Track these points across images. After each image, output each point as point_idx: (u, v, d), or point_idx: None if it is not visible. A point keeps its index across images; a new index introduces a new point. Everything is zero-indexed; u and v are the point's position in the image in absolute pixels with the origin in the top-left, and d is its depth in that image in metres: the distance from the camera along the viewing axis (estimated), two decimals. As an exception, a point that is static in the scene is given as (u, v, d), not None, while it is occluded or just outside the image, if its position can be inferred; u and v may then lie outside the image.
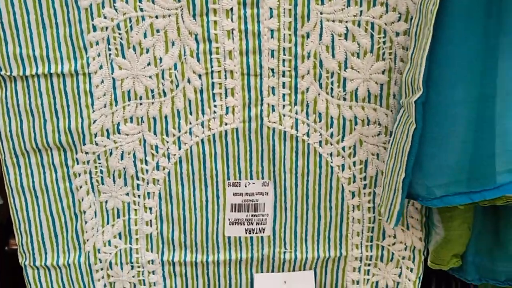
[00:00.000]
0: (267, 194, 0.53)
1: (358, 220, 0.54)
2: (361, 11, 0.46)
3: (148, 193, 0.52)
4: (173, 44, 0.47)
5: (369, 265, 0.55)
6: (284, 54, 0.48)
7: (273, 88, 0.49)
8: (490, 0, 0.41)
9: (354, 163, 0.51)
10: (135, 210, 0.53)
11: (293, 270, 0.55)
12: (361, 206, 0.53)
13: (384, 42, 0.47)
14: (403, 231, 0.54)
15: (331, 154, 0.51)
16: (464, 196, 0.44)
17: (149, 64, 0.48)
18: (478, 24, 0.41)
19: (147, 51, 0.47)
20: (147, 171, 0.51)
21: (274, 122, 0.50)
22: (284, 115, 0.50)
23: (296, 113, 0.50)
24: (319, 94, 0.49)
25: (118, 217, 0.53)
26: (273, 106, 0.49)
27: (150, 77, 0.48)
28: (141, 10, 0.46)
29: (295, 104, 0.49)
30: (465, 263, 0.53)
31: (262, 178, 0.52)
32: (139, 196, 0.52)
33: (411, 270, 0.55)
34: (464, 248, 0.53)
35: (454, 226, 0.51)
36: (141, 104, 0.49)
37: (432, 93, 0.43)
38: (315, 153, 0.51)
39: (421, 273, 0.55)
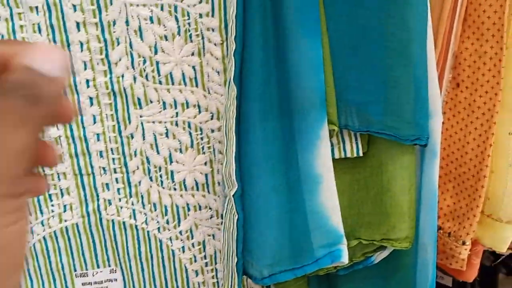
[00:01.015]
0: (116, 280, 0.56)
1: (205, 293, 0.58)
2: (177, 113, 0.51)
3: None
4: None
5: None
6: (113, 154, 0.52)
7: (107, 184, 0.53)
8: (280, 104, 0.47)
9: (193, 244, 0.56)
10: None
11: None
12: (206, 283, 0.57)
13: (202, 138, 0.52)
14: None
15: (170, 238, 0.55)
16: (289, 272, 0.49)
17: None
18: (272, 126, 0.47)
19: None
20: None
21: (113, 214, 0.54)
22: (121, 207, 0.54)
23: (133, 204, 0.54)
24: (151, 186, 0.53)
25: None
26: (109, 200, 0.53)
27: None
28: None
29: (130, 196, 0.54)
30: None
31: (109, 265, 0.56)
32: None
33: None
34: None
35: None
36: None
37: (245, 186, 0.49)
38: (156, 239, 0.55)
39: None
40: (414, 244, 0.51)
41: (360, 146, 0.49)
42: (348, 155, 0.49)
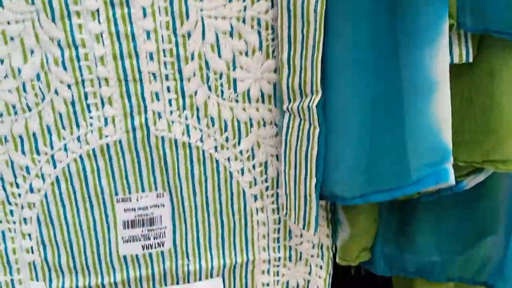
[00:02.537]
0: (163, 205, 0.49)
1: (263, 223, 0.51)
2: (245, 7, 0.41)
3: (25, 218, 0.46)
4: (32, 52, 0.40)
5: (278, 266, 0.53)
6: (165, 56, 0.42)
7: (156, 93, 0.44)
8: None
9: (253, 166, 0.48)
10: (12, 238, 0.47)
11: (200, 281, 0.52)
12: (264, 209, 0.51)
13: (273, 39, 0.43)
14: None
15: (228, 159, 0.47)
16: (384, 193, 0.43)
17: (6, 76, 0.41)
18: (370, 24, 0.38)
19: (2, 62, 0.40)
20: (19, 195, 0.45)
21: (163, 130, 0.45)
22: (173, 122, 0.45)
23: (186, 118, 0.45)
24: (209, 97, 0.45)
25: (-7, 246, 0.47)
26: (159, 112, 0.44)
27: (9, 91, 0.41)
28: (-12, 13, 0.39)
29: (184, 108, 0.45)
30: (373, 255, 0.53)
31: (156, 189, 0.48)
32: (14, 222, 0.46)
33: (321, 267, 0.54)
34: (372, 241, 0.52)
35: (360, 221, 0.50)
36: (2, 122, 0.42)
37: (330, 95, 0.41)
38: (212, 159, 0.47)
39: (331, 270, 0.54)
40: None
41: (470, 50, 0.41)
42: (456, 61, 0.41)
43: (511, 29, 0.38)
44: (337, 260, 0.53)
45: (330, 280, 0.54)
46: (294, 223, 0.47)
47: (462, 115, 0.43)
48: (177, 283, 0.52)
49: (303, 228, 0.46)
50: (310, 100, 0.41)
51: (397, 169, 0.42)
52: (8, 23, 0.39)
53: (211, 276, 0.52)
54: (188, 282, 0.52)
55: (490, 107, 0.41)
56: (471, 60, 0.41)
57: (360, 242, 0.51)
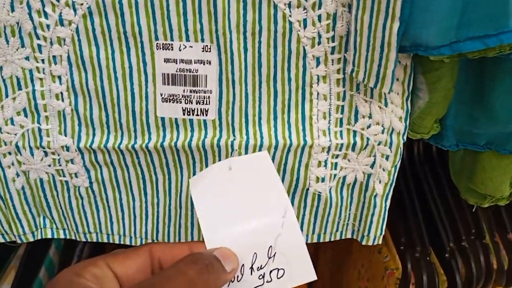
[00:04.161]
0: (209, 63, 0.42)
1: (324, 96, 0.43)
2: None
3: (54, 56, 0.41)
4: None
5: (337, 156, 0.45)
6: None
7: None
8: None
9: (319, 17, 0.40)
10: (40, 79, 0.42)
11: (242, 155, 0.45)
12: (327, 77, 0.42)
13: None
14: (380, 108, 0.43)
15: (289, 5, 0.39)
16: (477, 41, 0.34)
17: None
18: None
19: None
20: (48, 26, 0.39)
21: (213, -40, 0.38)
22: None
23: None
24: None
25: (20, 88, 0.42)
26: None
27: None
28: None
29: None
30: (443, 128, 0.46)
31: (202, 40, 0.41)
32: (42, 60, 0.41)
33: (387, 158, 0.45)
34: (445, 111, 0.43)
35: (441, 86, 0.41)
36: None
37: None
38: (269, 4, 0.39)
39: (398, 161, 0.45)
40: None
41: None
42: None
43: None
44: (409, 135, 0.44)
45: (396, 174, 0.45)
46: (363, 81, 0.38)
47: None
48: (217, 158, 0.45)
49: (375, 86, 0.37)
50: None
51: (496, 12, 0.32)
52: None
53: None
54: (231, 156, 0.45)
55: None
56: None
57: (437, 111, 0.43)
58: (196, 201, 0.40)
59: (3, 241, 0.49)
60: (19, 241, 0.48)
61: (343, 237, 0.49)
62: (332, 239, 0.49)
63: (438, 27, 0.34)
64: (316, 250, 0.92)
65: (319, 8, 0.39)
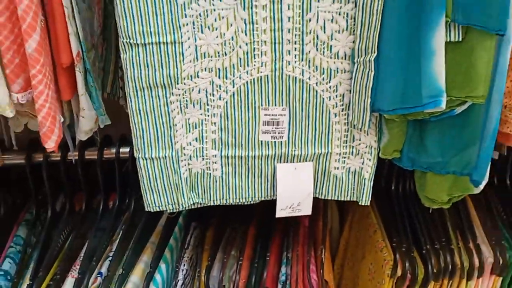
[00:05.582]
0: (284, 115, 0.88)
1: (338, 130, 0.90)
2: (340, 6, 0.80)
3: (214, 113, 0.87)
4: (231, 25, 0.81)
5: (344, 157, 0.92)
6: (296, 31, 0.81)
7: (288, 51, 0.83)
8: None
9: (336, 95, 0.87)
10: (205, 124, 0.88)
11: (299, 162, 0.92)
12: (340, 122, 0.89)
13: (354, 24, 0.81)
14: (365, 136, 0.90)
15: (323, 90, 0.86)
16: (404, 110, 0.80)
17: (217, 36, 0.81)
18: (406, 16, 0.75)
19: (216, 29, 0.81)
20: (213, 100, 0.86)
21: (290, 71, 0.84)
22: (295, 67, 0.84)
23: (303, 66, 0.84)
24: (316, 54, 0.83)
25: (195, 128, 0.88)
26: (289, 61, 0.84)
27: (217, 44, 0.82)
28: (213, 5, 0.79)
29: (302, 60, 0.84)
30: (402, 154, 0.90)
31: (282, 105, 0.87)
32: (208, 115, 0.87)
33: (370, 160, 0.91)
34: (401, 146, 0.89)
35: (395, 131, 0.87)
36: (211, 60, 0.83)
37: (379, 53, 0.78)
38: (313, 90, 0.86)
39: (375, 162, 0.91)
40: (486, 103, 0.79)
41: (460, 34, 0.76)
42: (452, 39, 0.76)
43: (484, 23, 0.73)
44: (380, 155, 0.90)
45: (375, 168, 0.92)
46: (355, 124, 0.85)
47: (455, 71, 0.78)
48: (287, 162, 0.92)
49: (360, 128, 0.84)
50: (370, 56, 0.78)
51: (414, 97, 0.78)
52: (222, 9, 0.79)
53: (306, 160, 0.92)
54: (293, 162, 0.92)
55: (469, 67, 0.77)
56: (460, 39, 0.76)
57: (394, 145, 0.88)
58: (279, 180, 0.87)
59: (172, 210, 0.94)
60: (177, 210, 0.94)
61: (348, 199, 0.95)
62: (341, 199, 0.95)
63: (388, 101, 0.80)
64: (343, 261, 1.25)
65: (336, 91, 0.86)
